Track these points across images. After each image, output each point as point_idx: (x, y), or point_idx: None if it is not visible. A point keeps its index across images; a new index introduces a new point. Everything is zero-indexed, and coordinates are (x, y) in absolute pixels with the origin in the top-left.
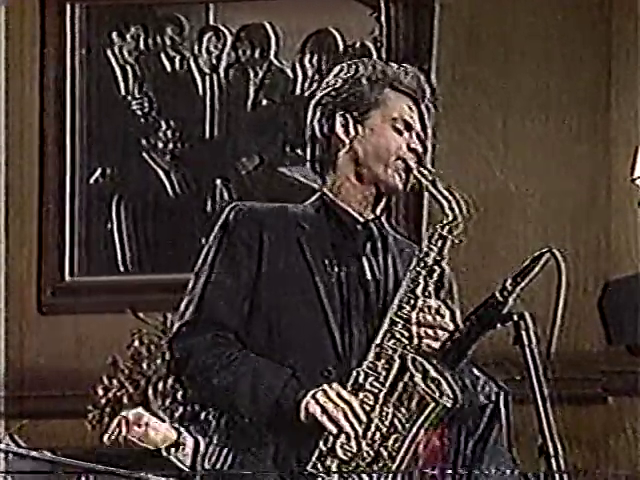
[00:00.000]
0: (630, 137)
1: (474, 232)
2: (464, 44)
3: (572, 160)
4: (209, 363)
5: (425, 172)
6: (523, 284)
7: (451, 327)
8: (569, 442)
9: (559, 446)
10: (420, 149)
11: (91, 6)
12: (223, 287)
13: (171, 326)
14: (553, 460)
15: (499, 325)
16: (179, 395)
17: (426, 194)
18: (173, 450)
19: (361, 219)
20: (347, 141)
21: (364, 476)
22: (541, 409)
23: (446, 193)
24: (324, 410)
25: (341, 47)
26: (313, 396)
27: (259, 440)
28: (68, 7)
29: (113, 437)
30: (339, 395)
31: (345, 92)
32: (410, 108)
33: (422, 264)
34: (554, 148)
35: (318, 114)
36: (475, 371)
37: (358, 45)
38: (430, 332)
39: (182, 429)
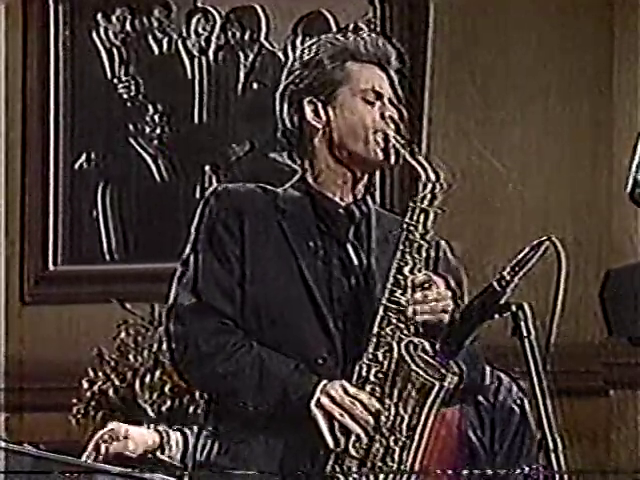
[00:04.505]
0: (632, 123)
1: (471, 220)
2: (460, 25)
3: (573, 146)
4: (212, 351)
5: (402, 140)
6: (522, 273)
7: (449, 294)
8: (569, 436)
9: (559, 440)
10: (396, 115)
11: None
12: (214, 274)
13: (159, 317)
14: (553, 455)
15: (497, 315)
16: (167, 388)
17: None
18: (159, 453)
19: (342, 203)
20: (320, 126)
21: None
22: (540, 402)
23: (424, 162)
24: (329, 418)
25: (334, 29)
26: (318, 401)
27: (261, 433)
28: None
29: (92, 458)
30: (346, 392)
31: (307, 77)
32: (378, 76)
33: (407, 243)
34: (554, 135)
35: (286, 105)
36: (501, 374)
37: (351, 27)
38: (426, 307)
39: (166, 429)
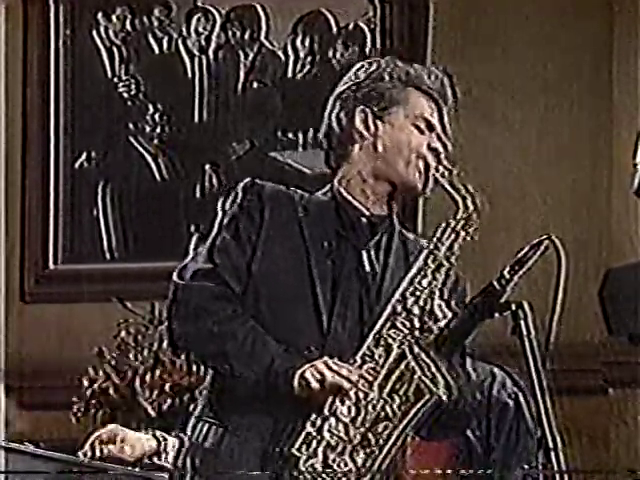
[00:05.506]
0: (632, 123)
1: None
2: (460, 25)
3: (573, 146)
4: (211, 309)
5: (444, 170)
6: (521, 272)
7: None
8: (569, 434)
9: (558, 439)
10: (441, 149)
11: None
12: (228, 251)
13: (159, 315)
14: (552, 453)
15: (497, 314)
16: (167, 387)
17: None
18: (155, 459)
19: (367, 213)
20: (367, 135)
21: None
22: (540, 401)
23: (463, 191)
24: (321, 377)
25: (334, 28)
26: (303, 372)
27: (248, 411)
28: None
29: (88, 455)
30: (337, 364)
31: (366, 87)
32: (433, 109)
33: (431, 257)
34: (554, 134)
35: (337, 108)
36: (495, 369)
37: (351, 27)
38: (432, 326)
39: (164, 435)
